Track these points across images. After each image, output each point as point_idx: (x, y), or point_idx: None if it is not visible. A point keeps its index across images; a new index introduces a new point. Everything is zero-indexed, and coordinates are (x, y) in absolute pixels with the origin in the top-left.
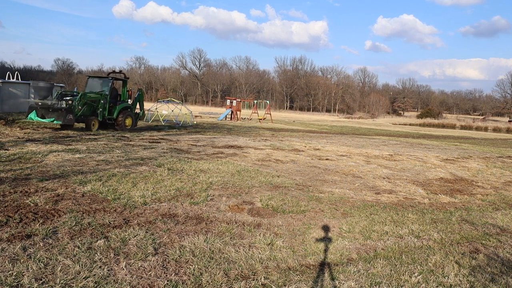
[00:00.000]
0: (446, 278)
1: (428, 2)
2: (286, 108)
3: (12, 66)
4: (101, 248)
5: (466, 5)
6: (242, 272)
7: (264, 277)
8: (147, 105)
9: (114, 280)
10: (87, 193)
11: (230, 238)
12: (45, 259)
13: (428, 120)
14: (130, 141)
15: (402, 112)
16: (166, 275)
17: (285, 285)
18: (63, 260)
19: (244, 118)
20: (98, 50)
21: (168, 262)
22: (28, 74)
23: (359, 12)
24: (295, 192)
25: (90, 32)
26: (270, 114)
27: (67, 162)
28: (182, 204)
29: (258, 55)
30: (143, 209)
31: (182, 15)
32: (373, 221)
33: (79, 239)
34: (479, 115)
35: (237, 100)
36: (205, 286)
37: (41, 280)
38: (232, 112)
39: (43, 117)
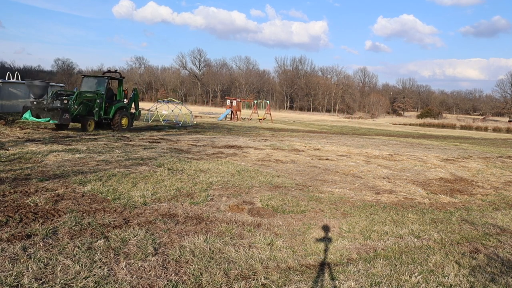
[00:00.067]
0: (446, 278)
1: (428, 2)
2: (286, 108)
3: (12, 66)
4: (101, 248)
5: (466, 5)
6: (242, 272)
7: (264, 277)
8: (147, 105)
9: (114, 280)
10: (87, 193)
11: (230, 238)
12: (45, 259)
13: (428, 120)
14: (130, 141)
15: (402, 112)
16: (166, 275)
17: (285, 285)
18: (63, 260)
19: (244, 118)
20: (98, 50)
21: (168, 262)
22: (28, 74)
23: (359, 12)
24: (295, 192)
25: (90, 32)
26: (270, 114)
27: (67, 162)
28: (182, 204)
29: (258, 55)
30: (143, 209)
31: (182, 15)
32: (373, 221)
33: (79, 239)
34: (479, 115)
35: (237, 100)
36: (205, 286)
37: (41, 280)
38: (232, 112)
39: (38, 117)
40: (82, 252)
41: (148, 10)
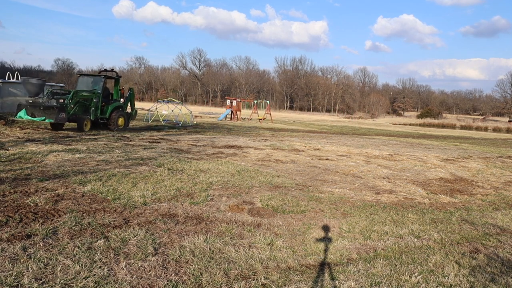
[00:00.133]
0: (446, 278)
1: (428, 2)
2: (286, 108)
3: (12, 66)
4: (101, 248)
5: (466, 5)
6: (242, 272)
7: (264, 277)
8: (147, 105)
9: (114, 280)
10: (87, 193)
11: (230, 238)
12: (45, 259)
13: (428, 120)
14: (130, 141)
15: (402, 112)
16: (166, 275)
17: (285, 285)
18: (63, 260)
19: (244, 118)
20: (98, 50)
21: (168, 262)
22: (28, 74)
23: (359, 12)
24: (295, 192)
25: (90, 32)
26: (270, 114)
27: (67, 162)
28: (182, 204)
29: (258, 55)
30: (143, 209)
31: (182, 15)
32: (373, 221)
33: (79, 239)
34: (479, 115)
35: (237, 100)
36: (205, 286)
37: (41, 280)
38: (232, 112)
39: (33, 116)
40: (82, 252)
41: (148, 10)
